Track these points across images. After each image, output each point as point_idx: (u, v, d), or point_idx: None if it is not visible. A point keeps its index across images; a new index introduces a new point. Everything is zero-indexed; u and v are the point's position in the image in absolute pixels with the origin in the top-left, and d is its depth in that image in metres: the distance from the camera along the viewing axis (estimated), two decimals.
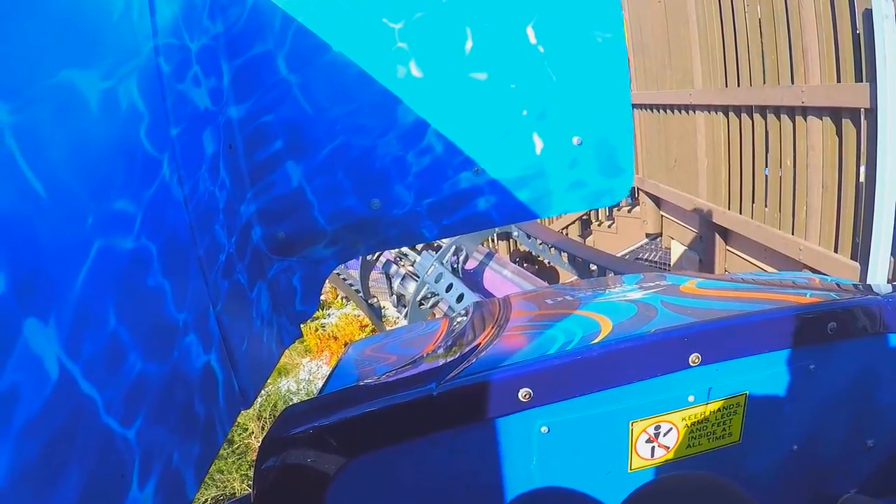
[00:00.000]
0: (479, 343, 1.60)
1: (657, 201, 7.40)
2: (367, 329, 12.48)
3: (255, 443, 8.31)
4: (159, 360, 1.16)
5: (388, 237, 1.95)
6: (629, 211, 8.15)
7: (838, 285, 1.97)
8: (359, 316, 13.13)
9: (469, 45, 1.74)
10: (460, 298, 5.23)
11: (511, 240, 9.39)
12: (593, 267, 5.71)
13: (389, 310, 10.26)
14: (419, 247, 6.32)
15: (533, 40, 1.75)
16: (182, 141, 1.38)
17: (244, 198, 1.78)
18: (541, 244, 5.73)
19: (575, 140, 1.78)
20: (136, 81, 1.19)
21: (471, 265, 6.08)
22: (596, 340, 1.41)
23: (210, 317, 1.44)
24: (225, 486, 7.71)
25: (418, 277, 6.05)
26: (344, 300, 14.97)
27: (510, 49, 1.75)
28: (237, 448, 8.28)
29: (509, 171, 1.81)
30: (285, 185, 1.82)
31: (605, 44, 1.76)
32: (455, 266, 5.79)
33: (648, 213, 7.58)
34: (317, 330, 13.08)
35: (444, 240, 5.93)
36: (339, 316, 13.97)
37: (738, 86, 5.26)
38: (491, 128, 1.79)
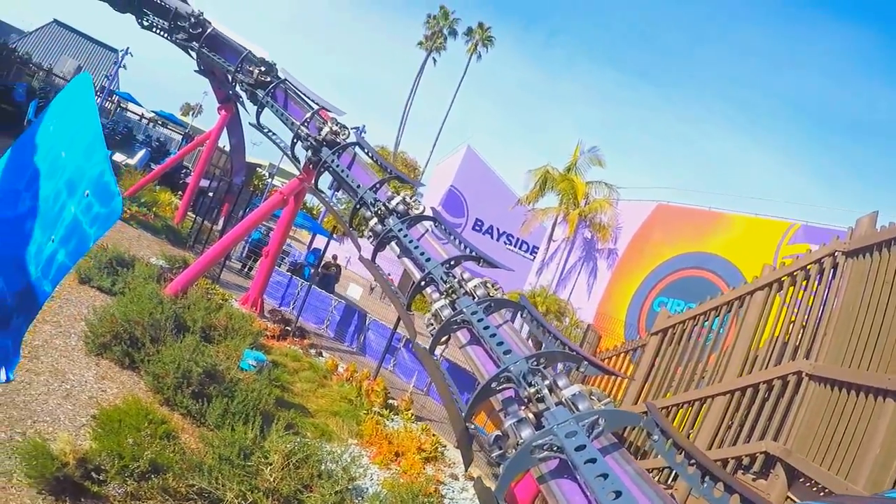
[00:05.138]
0: None
1: (789, 480, 6.78)
2: (424, 453, 11.93)
3: (268, 474, 8.00)
4: None
5: (36, 298, 2.96)
6: (753, 480, 7.48)
7: None
8: (420, 436, 12.64)
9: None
10: (592, 461, 4.87)
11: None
12: None
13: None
14: (554, 400, 6.10)
15: (63, 154, 3.08)
16: None
17: None
18: (683, 460, 5.07)
19: (86, 193, 2.78)
20: None
21: (598, 443, 5.70)
22: None
23: None
24: (216, 488, 7.33)
25: (543, 426, 5.84)
26: (413, 415, 14.51)
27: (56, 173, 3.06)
28: (250, 466, 7.95)
29: (63, 230, 2.83)
30: None
31: (86, 143, 2.94)
32: (588, 434, 5.48)
33: (775, 489, 6.87)
34: (377, 424, 12.61)
35: (583, 407, 5.74)
36: (402, 425, 13.45)
37: None
38: (54, 214, 2.91)
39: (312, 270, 24.10)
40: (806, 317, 7.95)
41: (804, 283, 8.17)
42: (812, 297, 7.99)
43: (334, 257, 26.01)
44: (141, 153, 36.27)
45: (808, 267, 8.15)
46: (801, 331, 7.91)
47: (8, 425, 6.83)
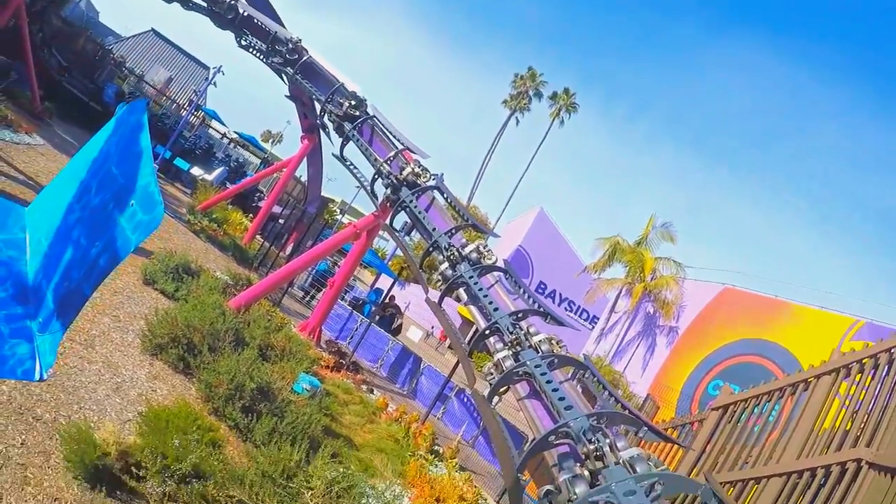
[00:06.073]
0: None
1: None
2: (465, 502, 11.63)
3: (308, 498, 7.84)
4: None
5: (76, 302, 3.13)
6: None
7: None
8: (463, 485, 12.35)
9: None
10: None
11: None
12: None
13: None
14: (612, 459, 6.11)
15: (113, 169, 3.32)
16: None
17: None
18: None
19: (131, 203, 2.97)
20: None
21: None
22: None
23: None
24: (255, 503, 7.21)
25: (597, 484, 5.87)
26: (458, 464, 14.23)
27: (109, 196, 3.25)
28: (292, 487, 7.71)
29: (108, 236, 2.99)
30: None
31: (136, 159, 3.16)
32: (647, 494, 5.45)
33: None
34: (422, 466, 12.40)
35: (641, 470, 5.80)
36: (446, 472, 13.17)
37: None
38: (101, 222, 3.11)
39: (373, 308, 24.16)
40: (871, 406, 7.81)
41: (871, 373, 8.08)
42: (878, 387, 7.85)
43: (391, 298, 25.99)
44: (218, 170, 36.93)
45: (878, 356, 8.08)
46: (864, 419, 7.74)
47: (54, 407, 6.84)
